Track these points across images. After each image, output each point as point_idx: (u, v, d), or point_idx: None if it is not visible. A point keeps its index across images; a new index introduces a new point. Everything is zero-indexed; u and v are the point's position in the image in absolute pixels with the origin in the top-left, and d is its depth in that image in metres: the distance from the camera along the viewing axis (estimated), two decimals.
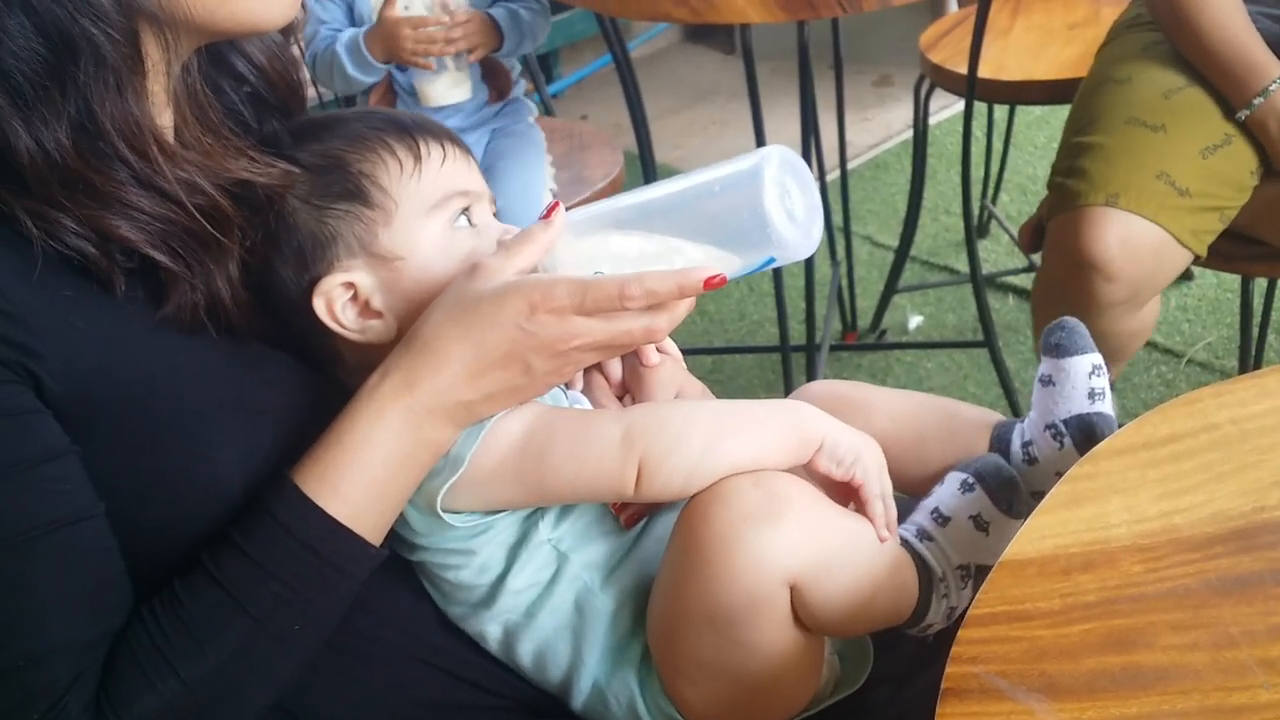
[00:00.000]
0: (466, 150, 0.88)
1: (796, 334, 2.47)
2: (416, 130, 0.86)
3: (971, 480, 0.85)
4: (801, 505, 0.78)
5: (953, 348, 2.46)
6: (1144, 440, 0.77)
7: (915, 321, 2.58)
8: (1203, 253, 1.54)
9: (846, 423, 0.83)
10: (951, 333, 2.55)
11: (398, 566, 0.85)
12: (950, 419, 0.96)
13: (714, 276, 0.74)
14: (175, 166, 0.73)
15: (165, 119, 0.76)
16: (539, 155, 2.01)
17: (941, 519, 0.85)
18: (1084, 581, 0.67)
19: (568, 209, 0.81)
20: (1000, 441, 0.93)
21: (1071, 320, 0.90)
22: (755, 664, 0.78)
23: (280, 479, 0.75)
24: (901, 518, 0.86)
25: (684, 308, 0.78)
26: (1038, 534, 0.71)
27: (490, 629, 0.85)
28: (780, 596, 0.77)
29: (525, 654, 0.86)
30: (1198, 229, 1.53)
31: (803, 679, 0.82)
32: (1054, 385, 0.89)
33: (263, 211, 0.80)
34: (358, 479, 0.75)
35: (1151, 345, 2.33)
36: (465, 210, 0.86)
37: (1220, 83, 1.54)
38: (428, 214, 0.84)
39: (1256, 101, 1.51)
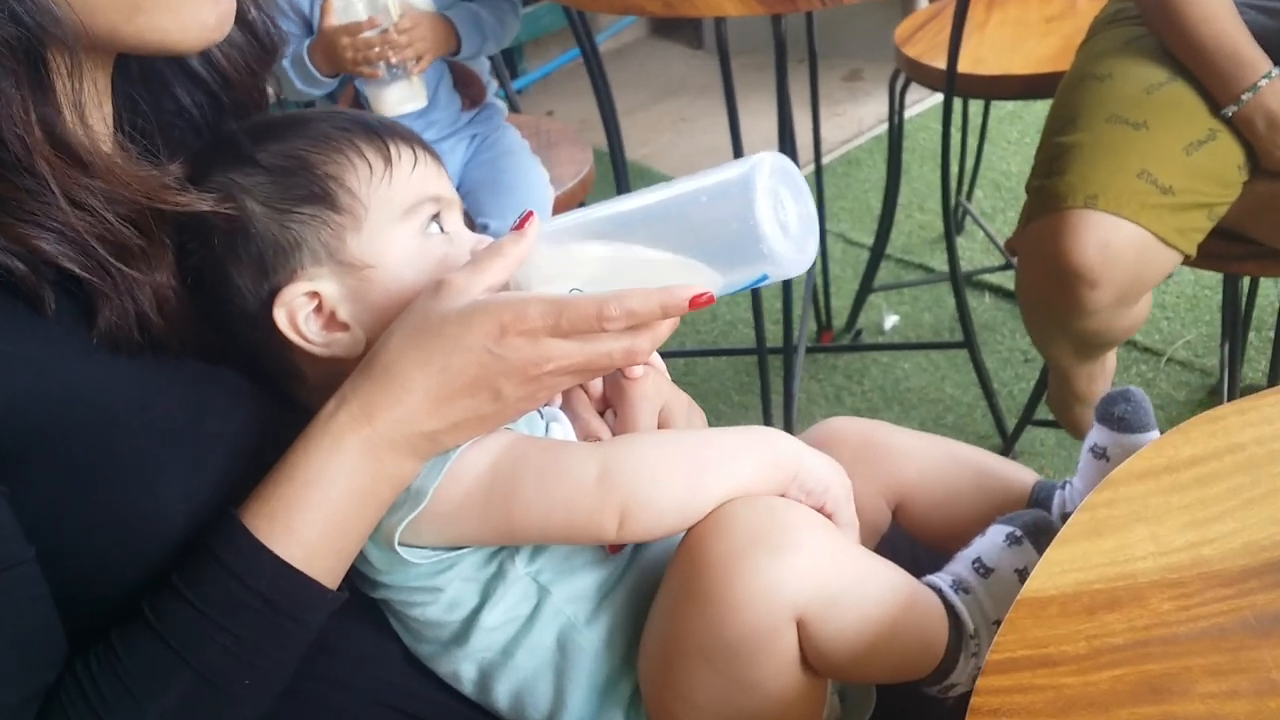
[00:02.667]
0: (436, 156, 0.84)
1: (772, 335, 2.43)
2: (385, 133, 0.81)
3: (1019, 534, 0.81)
4: (811, 535, 0.73)
5: (931, 349, 2.42)
6: (1166, 463, 0.72)
7: (891, 321, 2.54)
8: (1192, 252, 1.51)
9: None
10: (928, 332, 2.51)
11: (361, 603, 0.79)
12: (982, 477, 0.93)
13: (700, 295, 0.69)
14: (86, 178, 0.67)
15: (82, 130, 0.70)
16: (531, 158, 1.95)
17: (984, 570, 0.80)
18: (1111, 622, 0.62)
19: None
20: (1039, 506, 0.90)
21: (1138, 393, 0.86)
22: (755, 706, 0.74)
23: (227, 518, 0.69)
24: (933, 569, 0.82)
25: (667, 328, 0.72)
26: (1058, 567, 0.66)
27: (464, 669, 0.80)
28: (786, 633, 0.72)
29: (502, 695, 0.80)
30: (1184, 227, 1.49)
31: None
32: (1108, 461, 0.85)
33: (208, 223, 0.74)
34: (312, 517, 0.69)
35: (1130, 344, 2.31)
36: (436, 217, 0.81)
37: (1207, 78, 1.50)
38: (399, 220, 0.78)
39: (1245, 97, 1.47)
